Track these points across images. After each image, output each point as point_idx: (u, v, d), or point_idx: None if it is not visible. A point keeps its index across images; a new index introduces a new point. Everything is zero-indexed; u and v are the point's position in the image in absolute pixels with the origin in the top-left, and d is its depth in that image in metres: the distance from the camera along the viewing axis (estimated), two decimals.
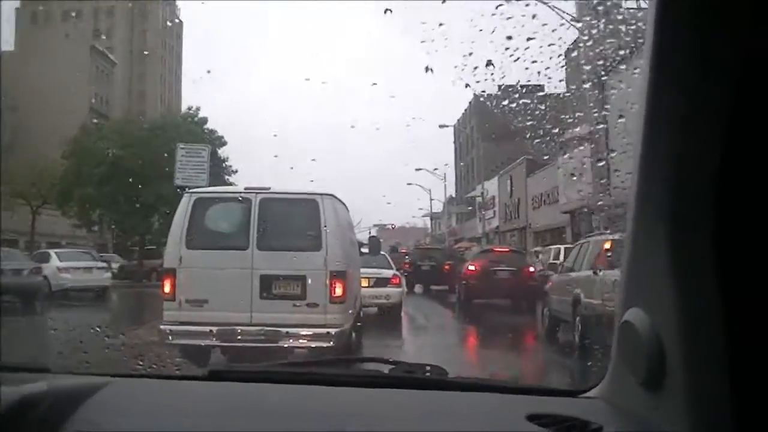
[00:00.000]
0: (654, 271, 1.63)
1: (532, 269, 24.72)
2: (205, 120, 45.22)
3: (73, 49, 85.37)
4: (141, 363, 4.75)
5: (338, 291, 10.24)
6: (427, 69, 9.16)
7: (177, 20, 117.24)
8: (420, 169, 61.21)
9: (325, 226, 10.23)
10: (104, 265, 29.89)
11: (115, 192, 41.81)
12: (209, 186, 19.69)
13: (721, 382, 1.46)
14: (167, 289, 10.31)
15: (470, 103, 72.79)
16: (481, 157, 61.82)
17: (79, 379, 2.20)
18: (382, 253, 18.17)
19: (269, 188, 10.80)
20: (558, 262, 22.55)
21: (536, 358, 14.31)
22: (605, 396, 2.03)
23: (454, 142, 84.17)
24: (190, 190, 11.51)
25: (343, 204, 11.80)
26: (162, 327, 10.10)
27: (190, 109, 48.68)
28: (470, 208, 72.36)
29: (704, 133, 1.45)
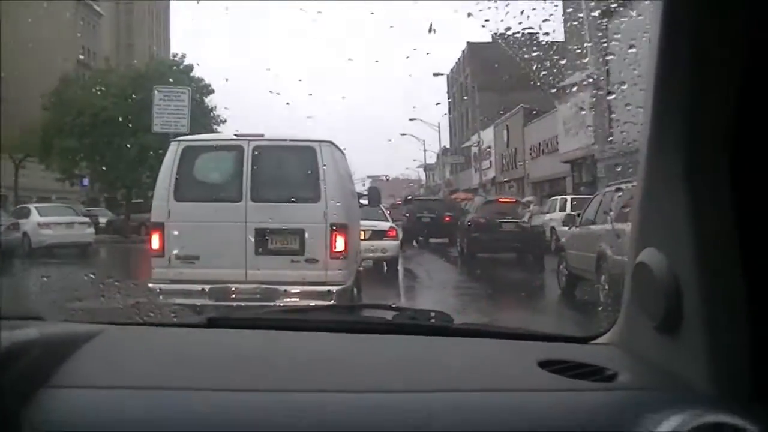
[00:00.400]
0: (670, 211, 1.60)
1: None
2: (190, 67, 43.69)
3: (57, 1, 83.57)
4: (137, 312, 4.65)
5: (339, 245, 9.68)
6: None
7: None
8: (414, 119, 60.13)
9: (324, 176, 9.66)
10: (86, 220, 28.86)
11: (97, 143, 40.16)
12: (191, 134, 18.62)
13: (741, 325, 1.44)
14: (155, 244, 9.79)
15: (464, 51, 72.02)
16: (477, 107, 60.89)
17: (73, 326, 2.10)
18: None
19: (262, 135, 10.13)
20: (564, 213, 21.42)
21: (554, 313, 13.79)
22: (617, 341, 1.98)
23: (448, 92, 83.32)
24: (178, 138, 10.72)
25: (342, 152, 11.10)
26: (151, 285, 9.60)
27: (175, 56, 47.17)
28: (465, 158, 71.87)
29: (721, 69, 1.43)
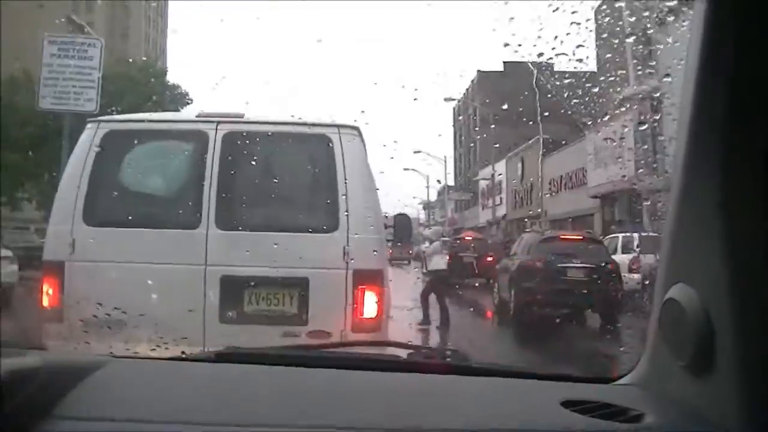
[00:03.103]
0: (702, 245, 1.58)
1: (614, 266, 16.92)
2: (163, 71, 39.32)
3: (48, 21, 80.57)
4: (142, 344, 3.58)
5: (370, 309, 5.93)
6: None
7: None
8: (419, 152, 56.89)
9: (347, 187, 5.98)
10: (9, 254, 22.84)
11: (46, 160, 32.54)
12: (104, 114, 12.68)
13: None
14: (47, 300, 5.98)
15: (473, 80, 69.12)
16: (487, 139, 57.98)
17: (77, 357, 2.16)
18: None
19: (242, 115, 6.40)
20: (631, 256, 16.62)
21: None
22: (641, 382, 1.94)
23: (454, 124, 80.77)
24: (97, 119, 6.51)
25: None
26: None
27: (146, 59, 42.71)
28: (472, 194, 69.67)
29: (757, 100, 1.43)
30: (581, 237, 19.47)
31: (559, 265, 16.47)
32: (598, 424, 1.68)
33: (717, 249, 1.50)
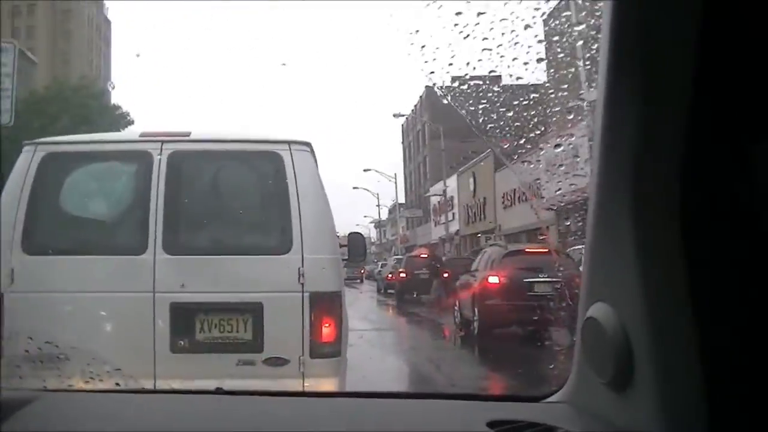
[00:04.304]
0: (620, 264, 1.60)
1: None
2: (101, 92, 38.71)
3: None
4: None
5: (327, 332, 5.74)
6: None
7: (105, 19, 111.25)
8: (368, 170, 56.83)
9: (299, 206, 5.75)
10: None
11: None
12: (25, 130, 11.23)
13: (692, 381, 1.44)
14: None
15: (421, 96, 69.32)
16: (437, 154, 58.08)
17: (7, 393, 2.11)
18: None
19: (188, 134, 6.15)
20: None
21: None
22: (569, 399, 1.96)
23: (403, 141, 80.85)
24: (36, 141, 6.19)
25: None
26: None
27: (83, 78, 42.00)
28: (423, 211, 69.73)
29: (668, 118, 1.45)
30: (547, 250, 18.59)
31: (525, 279, 15.82)
32: None
33: (632, 268, 1.53)
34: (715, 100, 1.38)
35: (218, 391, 2.32)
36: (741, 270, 1.42)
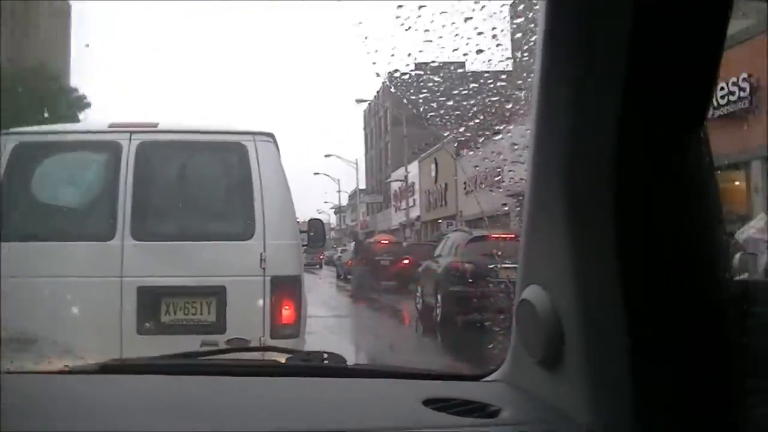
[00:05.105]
0: (553, 249, 1.65)
1: None
2: (57, 75, 37.76)
3: None
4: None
5: (287, 314, 5.99)
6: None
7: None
8: (330, 155, 56.51)
9: (262, 194, 6.01)
10: None
11: None
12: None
13: (620, 361, 1.48)
14: None
15: (383, 83, 69.06)
16: (399, 140, 57.77)
17: None
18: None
19: (156, 125, 6.35)
20: None
21: None
22: (505, 378, 2.04)
23: (365, 127, 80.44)
24: (9, 131, 6.43)
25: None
26: None
27: (39, 61, 40.77)
28: (384, 197, 69.31)
29: (600, 107, 1.48)
30: (513, 235, 17.93)
31: (489, 265, 14.34)
32: (456, 420, 1.74)
33: (564, 253, 1.59)
34: (649, 91, 1.43)
35: (169, 368, 2.32)
36: (667, 258, 1.49)
